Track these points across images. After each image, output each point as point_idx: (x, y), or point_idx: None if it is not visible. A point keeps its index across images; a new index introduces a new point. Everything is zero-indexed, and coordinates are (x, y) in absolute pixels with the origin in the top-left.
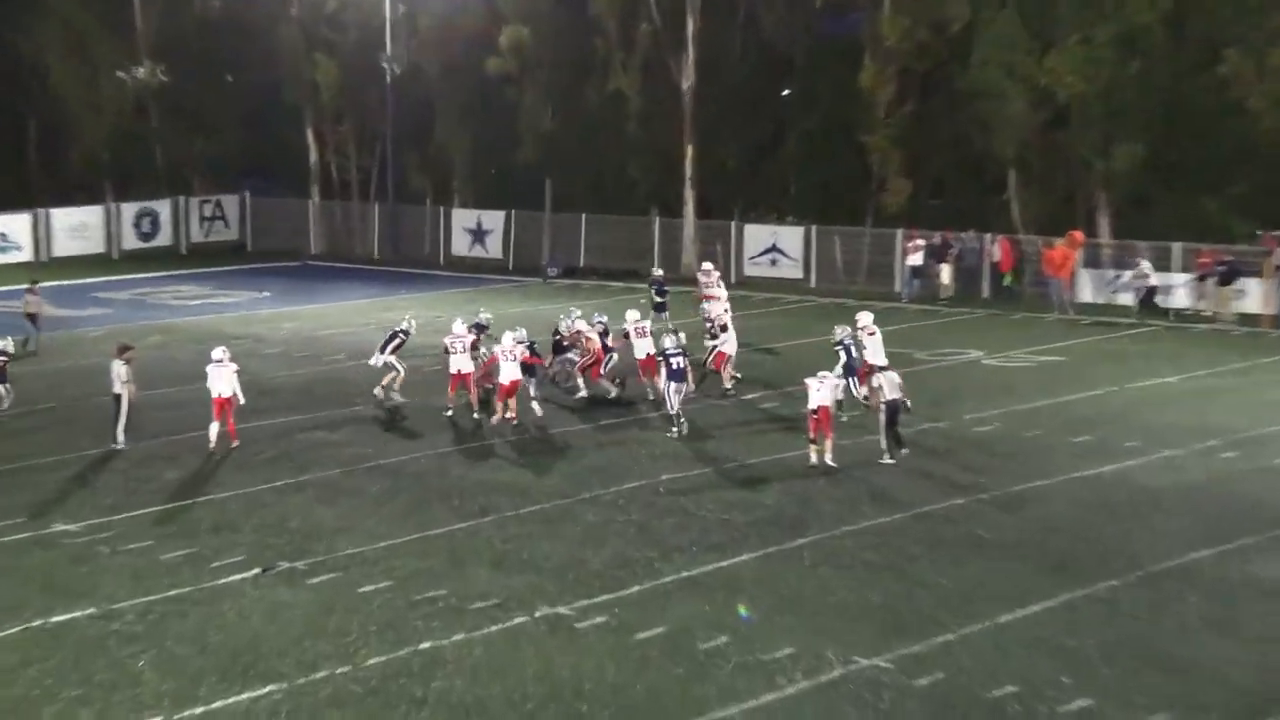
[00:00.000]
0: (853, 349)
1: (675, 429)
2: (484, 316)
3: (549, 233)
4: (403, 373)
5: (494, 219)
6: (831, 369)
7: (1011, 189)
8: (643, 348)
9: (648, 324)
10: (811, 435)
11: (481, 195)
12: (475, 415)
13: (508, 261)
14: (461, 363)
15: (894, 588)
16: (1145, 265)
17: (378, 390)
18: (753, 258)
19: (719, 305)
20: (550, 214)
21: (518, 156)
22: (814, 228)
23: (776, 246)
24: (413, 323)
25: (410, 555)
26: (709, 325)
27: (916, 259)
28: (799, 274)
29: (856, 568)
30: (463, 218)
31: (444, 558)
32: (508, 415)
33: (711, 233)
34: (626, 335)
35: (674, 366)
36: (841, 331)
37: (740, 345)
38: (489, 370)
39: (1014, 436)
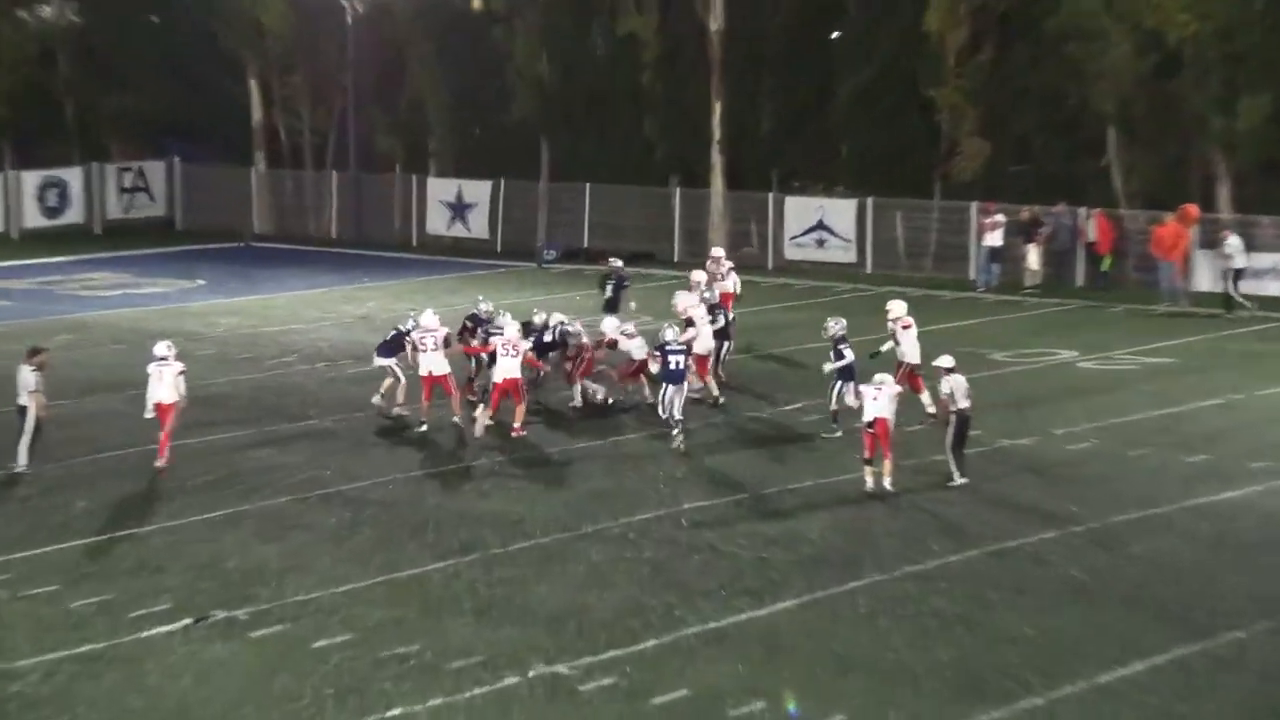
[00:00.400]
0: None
1: (676, 435)
2: (483, 307)
3: (545, 207)
4: (402, 380)
5: (478, 190)
6: (865, 375)
7: (1112, 152)
8: (639, 349)
9: (633, 325)
10: (868, 455)
11: (463, 162)
12: (455, 420)
13: (495, 242)
14: (434, 363)
15: (968, 642)
16: (1231, 241)
17: (376, 398)
18: (795, 237)
19: (690, 296)
20: (547, 184)
21: (508, 114)
22: (869, 200)
23: (823, 224)
24: (419, 321)
25: (375, 603)
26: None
27: (995, 239)
28: (851, 257)
29: (923, 617)
30: (440, 189)
31: (417, 605)
32: (514, 426)
33: (744, 207)
34: (614, 344)
35: (672, 366)
36: (836, 324)
37: (753, 350)
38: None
39: (1115, 455)
